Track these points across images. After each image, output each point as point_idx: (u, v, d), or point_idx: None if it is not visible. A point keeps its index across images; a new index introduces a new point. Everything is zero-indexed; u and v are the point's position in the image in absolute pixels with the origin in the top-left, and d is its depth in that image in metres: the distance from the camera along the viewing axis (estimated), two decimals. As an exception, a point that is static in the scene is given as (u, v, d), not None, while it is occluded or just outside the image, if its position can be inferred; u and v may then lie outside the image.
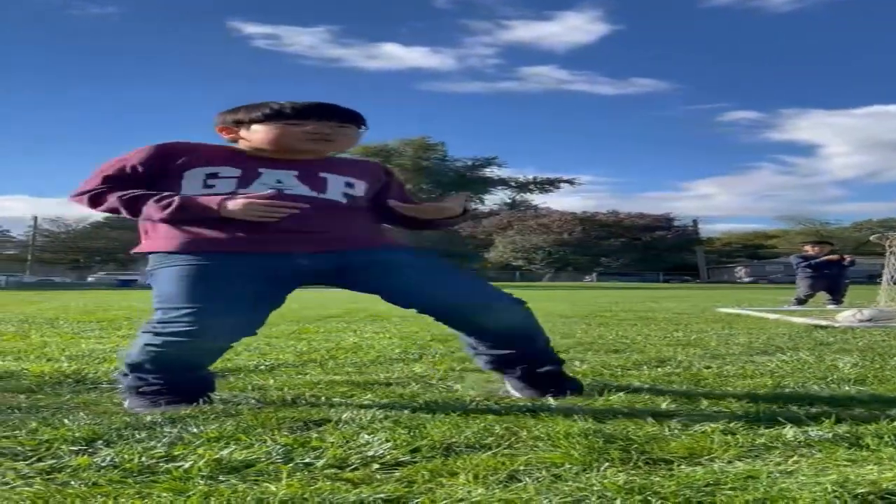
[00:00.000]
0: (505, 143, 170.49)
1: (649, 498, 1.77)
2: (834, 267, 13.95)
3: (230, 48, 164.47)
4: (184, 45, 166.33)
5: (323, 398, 3.16)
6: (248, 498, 1.77)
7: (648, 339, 6.05)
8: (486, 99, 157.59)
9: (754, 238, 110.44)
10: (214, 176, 3.12)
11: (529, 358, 3.29)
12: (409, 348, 5.25)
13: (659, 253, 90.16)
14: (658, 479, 1.93)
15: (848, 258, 14.28)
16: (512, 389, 3.28)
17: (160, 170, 3.15)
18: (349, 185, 3.27)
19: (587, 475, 1.97)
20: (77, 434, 2.40)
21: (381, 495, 1.80)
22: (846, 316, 8.12)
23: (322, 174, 3.23)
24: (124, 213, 3.08)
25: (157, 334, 3.00)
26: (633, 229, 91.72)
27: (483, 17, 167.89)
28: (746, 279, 79.68)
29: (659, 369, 4.11)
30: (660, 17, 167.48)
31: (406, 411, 2.83)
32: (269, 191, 3.07)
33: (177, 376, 3.04)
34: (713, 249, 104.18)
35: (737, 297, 19.81)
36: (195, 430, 2.49)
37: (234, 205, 2.99)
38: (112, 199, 3.09)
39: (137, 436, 2.41)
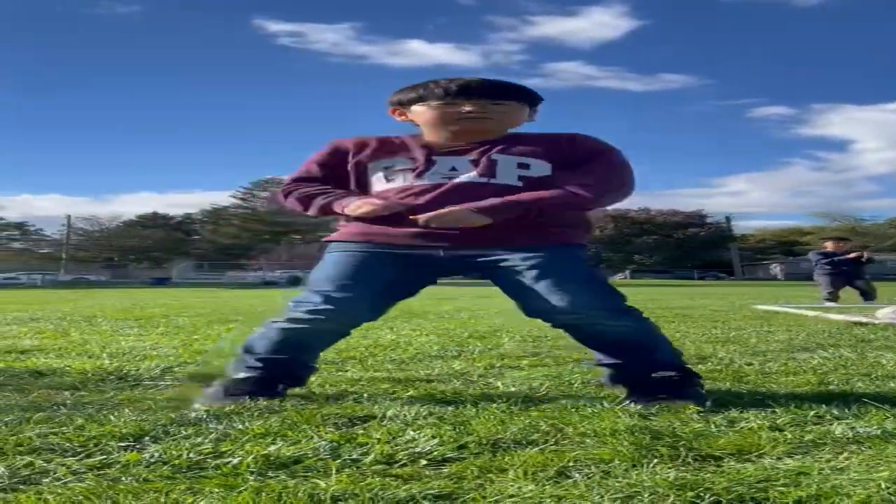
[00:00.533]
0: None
1: (701, 494, 1.76)
2: (852, 264, 13.83)
3: (255, 46, 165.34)
4: (209, 44, 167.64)
5: (365, 395, 3.16)
6: (300, 493, 1.77)
7: (687, 336, 6.02)
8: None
9: (789, 235, 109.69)
10: (390, 168, 3.21)
11: (648, 368, 3.06)
12: (448, 345, 5.25)
13: (692, 250, 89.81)
14: (708, 475, 1.92)
15: (866, 255, 14.16)
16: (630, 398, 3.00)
17: (340, 167, 3.29)
18: (523, 165, 3.16)
19: (637, 471, 1.96)
20: (124, 430, 2.41)
21: (432, 491, 1.80)
22: (886, 313, 8.05)
23: (495, 156, 3.16)
24: (302, 211, 3.28)
25: (284, 314, 3.14)
26: (666, 226, 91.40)
27: (508, 12, 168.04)
28: (782, 276, 79.22)
29: (700, 366, 4.08)
30: (687, 11, 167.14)
31: (450, 408, 2.82)
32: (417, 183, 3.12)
33: (280, 361, 3.11)
34: (747, 246, 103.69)
35: (773, 294, 19.68)
36: (240, 426, 2.50)
37: (351, 209, 3.09)
38: (290, 199, 3.28)
39: (184, 432, 2.42)
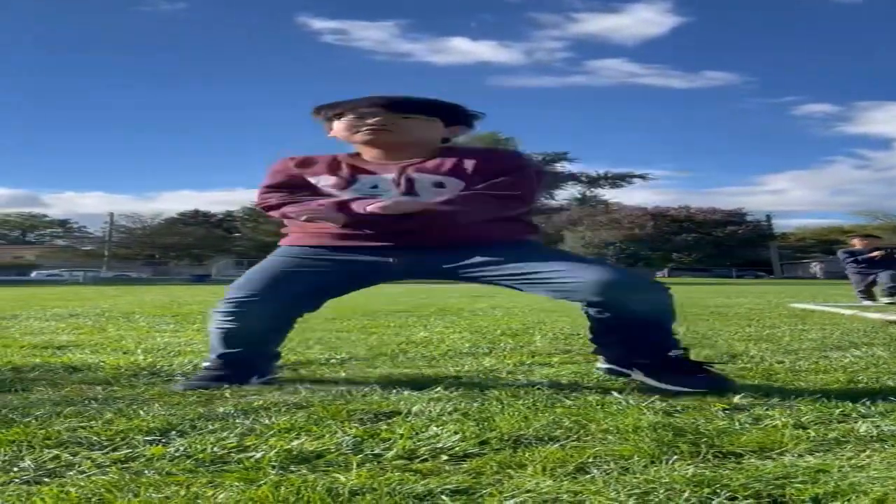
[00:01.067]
0: (576, 138, 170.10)
1: (718, 490, 1.76)
2: (880, 262, 13.67)
3: (298, 44, 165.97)
4: (252, 41, 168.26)
5: (393, 391, 3.17)
6: (318, 487, 1.79)
7: (720, 335, 6.01)
8: (555, 93, 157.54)
9: (829, 233, 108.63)
10: (319, 186, 3.37)
11: (657, 344, 3.28)
12: (479, 343, 5.26)
13: (731, 248, 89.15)
14: (727, 472, 1.92)
15: (880, 253, 13.99)
16: (648, 380, 3.23)
17: (291, 182, 3.43)
18: (438, 184, 3.27)
19: (655, 468, 1.97)
20: (151, 424, 2.44)
21: (450, 486, 1.81)
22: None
23: (413, 174, 3.29)
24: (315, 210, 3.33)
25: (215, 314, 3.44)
26: (705, 224, 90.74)
27: (552, 9, 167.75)
28: (821, 275, 78.61)
29: (730, 364, 4.08)
30: (731, 8, 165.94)
31: (475, 404, 2.84)
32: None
33: (226, 354, 3.38)
34: (787, 245, 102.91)
35: (811, 292, 19.54)
36: (267, 421, 2.53)
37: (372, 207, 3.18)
38: (291, 207, 3.37)
39: (210, 426, 2.44)
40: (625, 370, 3.40)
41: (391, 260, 3.29)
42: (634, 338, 3.27)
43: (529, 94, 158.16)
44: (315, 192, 3.34)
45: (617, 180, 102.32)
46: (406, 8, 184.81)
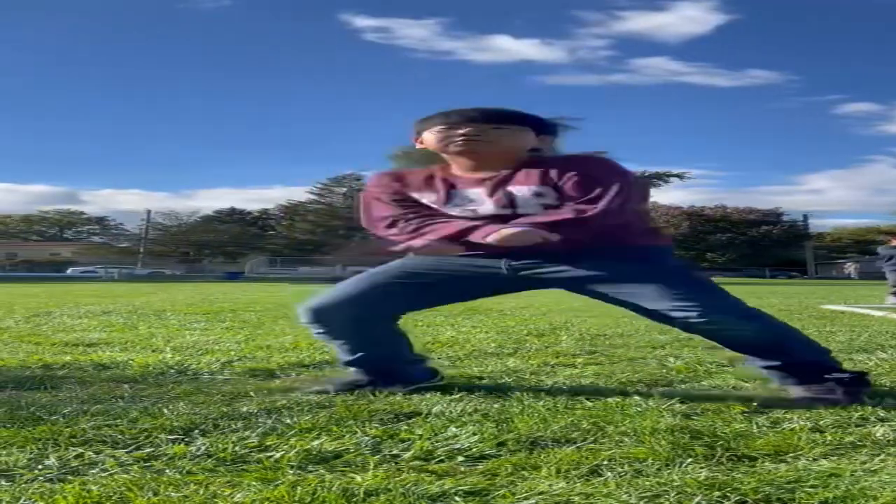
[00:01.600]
0: (615, 137, 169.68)
1: (728, 494, 1.78)
2: None
3: (341, 42, 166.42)
4: (295, 39, 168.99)
5: (416, 391, 3.20)
6: (334, 488, 1.82)
7: (748, 336, 5.98)
8: (596, 91, 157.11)
9: (866, 233, 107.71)
10: (421, 201, 3.38)
11: (798, 366, 3.18)
12: (505, 343, 5.28)
13: (766, 248, 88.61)
14: (739, 475, 1.94)
15: None
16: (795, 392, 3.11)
17: (397, 199, 3.40)
18: (538, 194, 3.24)
19: (668, 470, 1.99)
20: (175, 423, 2.48)
21: (464, 487, 1.84)
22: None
23: (511, 188, 3.27)
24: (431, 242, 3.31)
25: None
26: (741, 224, 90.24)
27: (597, 7, 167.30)
28: (855, 275, 77.99)
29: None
30: (776, 6, 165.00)
31: (496, 405, 2.87)
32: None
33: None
34: (822, 245, 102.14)
35: (843, 293, 19.40)
36: (289, 420, 2.56)
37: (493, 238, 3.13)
38: (418, 239, 3.31)
39: (233, 426, 2.48)
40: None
41: (503, 268, 3.25)
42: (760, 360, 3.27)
43: (570, 92, 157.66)
44: (422, 207, 3.35)
45: (654, 179, 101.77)
46: (450, 6, 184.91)
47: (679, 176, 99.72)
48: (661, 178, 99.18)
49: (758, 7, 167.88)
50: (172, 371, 3.80)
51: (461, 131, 3.29)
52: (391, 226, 3.33)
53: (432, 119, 3.41)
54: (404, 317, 3.46)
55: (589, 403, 2.91)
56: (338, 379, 3.38)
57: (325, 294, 3.37)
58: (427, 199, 3.35)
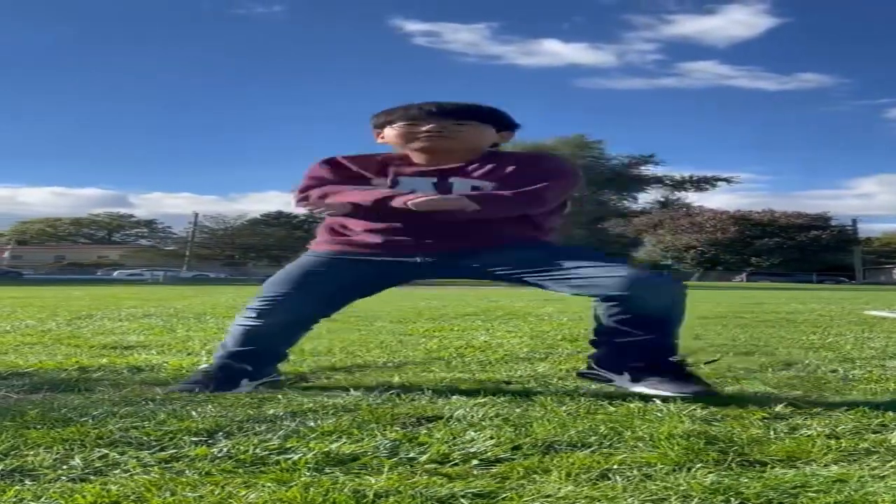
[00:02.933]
0: (663, 141, 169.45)
1: (731, 498, 1.81)
2: None
3: (391, 46, 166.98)
4: (346, 43, 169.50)
5: (442, 396, 3.24)
6: (346, 490, 1.86)
7: (782, 342, 5.98)
8: (645, 95, 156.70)
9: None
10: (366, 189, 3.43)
11: (659, 347, 3.31)
12: (538, 348, 5.30)
13: (814, 253, 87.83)
14: (746, 480, 1.96)
15: None
16: (633, 386, 3.30)
17: (337, 175, 3.51)
18: (476, 188, 3.35)
19: (676, 475, 2.01)
20: (201, 426, 2.53)
21: (473, 490, 1.88)
22: None
23: (452, 179, 3.38)
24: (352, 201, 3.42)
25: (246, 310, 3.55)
26: (789, 229, 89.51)
27: (646, 11, 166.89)
28: (904, 281, 77.17)
29: (783, 372, 4.08)
30: (826, 9, 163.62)
31: (518, 410, 2.90)
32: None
33: (244, 353, 3.46)
34: (871, 250, 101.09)
35: (889, 298, 19.21)
36: (312, 423, 2.61)
37: (412, 202, 3.24)
38: (335, 197, 3.44)
39: (256, 428, 2.53)
40: (607, 375, 3.44)
41: (418, 260, 3.39)
42: (639, 338, 3.27)
43: (619, 96, 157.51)
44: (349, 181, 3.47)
45: (702, 183, 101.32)
46: (499, 10, 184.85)
47: (727, 180, 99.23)
48: (709, 182, 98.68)
49: (808, 10, 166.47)
50: (205, 374, 3.86)
51: (424, 127, 3.39)
52: (304, 198, 3.45)
53: (393, 113, 3.49)
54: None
55: (611, 408, 2.94)
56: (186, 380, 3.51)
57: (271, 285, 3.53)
58: (374, 182, 3.45)
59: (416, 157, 3.49)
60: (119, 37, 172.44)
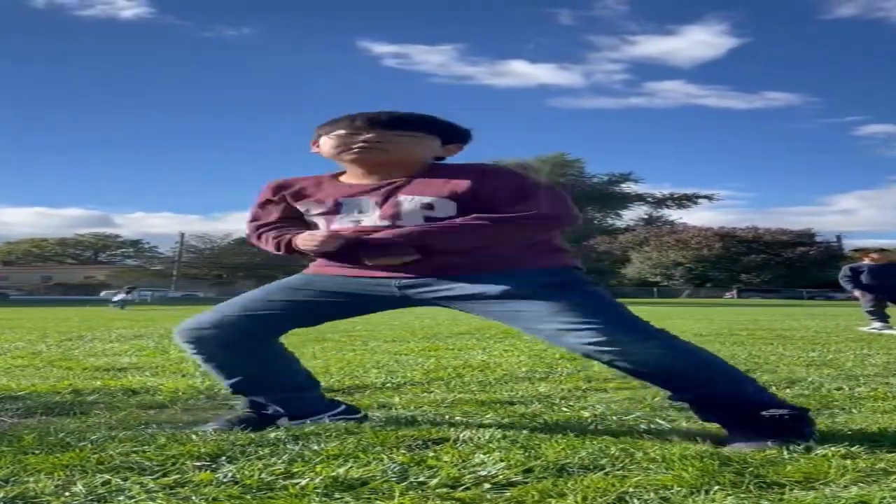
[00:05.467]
0: (639, 159, 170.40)
1: (756, 523, 1.77)
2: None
3: (360, 68, 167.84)
4: (315, 66, 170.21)
5: (446, 417, 3.19)
6: (359, 516, 1.82)
7: (782, 359, 5.95)
8: (615, 114, 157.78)
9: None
10: (308, 213, 3.18)
11: (718, 401, 2.82)
12: (537, 367, 5.25)
13: (801, 269, 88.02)
14: (766, 503, 1.92)
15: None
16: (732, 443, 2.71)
17: (279, 205, 3.26)
18: (428, 206, 3.01)
19: (695, 498, 1.97)
20: (203, 450, 2.48)
21: (489, 515, 1.83)
22: None
23: (401, 196, 3.04)
24: (275, 251, 3.23)
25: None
26: (774, 245, 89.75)
27: (608, 32, 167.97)
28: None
29: (788, 390, 4.05)
30: (786, 29, 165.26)
31: (525, 431, 2.84)
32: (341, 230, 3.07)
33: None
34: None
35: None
36: (316, 447, 2.56)
37: (297, 242, 3.10)
38: (265, 241, 3.27)
39: (260, 452, 2.48)
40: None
41: (395, 288, 3.03)
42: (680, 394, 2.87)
43: (590, 115, 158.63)
44: (303, 223, 3.22)
45: (683, 200, 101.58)
46: (465, 32, 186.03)
47: (708, 197, 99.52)
48: (690, 199, 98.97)
49: (768, 30, 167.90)
50: (202, 396, 3.81)
51: (361, 137, 3.09)
52: (259, 236, 3.26)
53: (336, 123, 3.18)
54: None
55: (619, 429, 2.89)
56: (225, 416, 3.15)
57: (203, 314, 3.15)
58: (314, 210, 3.15)
59: (352, 172, 3.21)
60: (100, 57, 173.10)
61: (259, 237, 3.25)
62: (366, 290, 3.05)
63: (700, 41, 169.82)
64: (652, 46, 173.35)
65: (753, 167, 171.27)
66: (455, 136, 3.25)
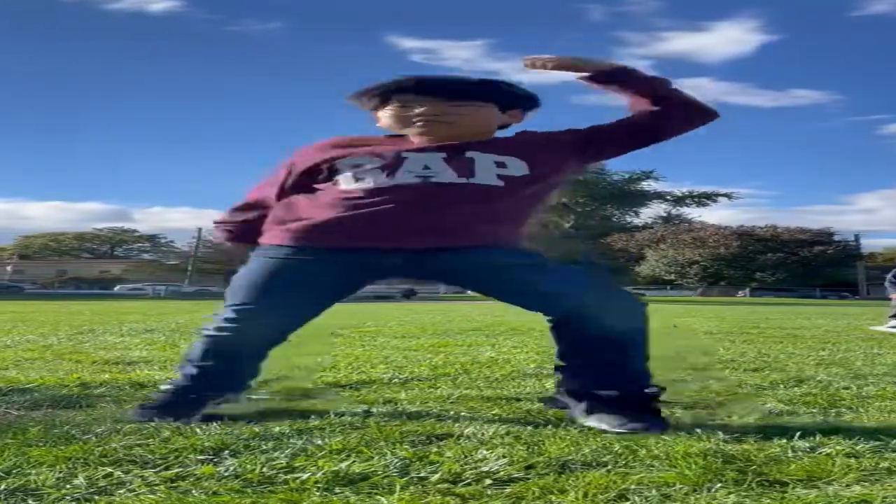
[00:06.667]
0: (661, 156, 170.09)
1: (755, 520, 1.76)
2: None
3: (387, 62, 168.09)
4: (342, 60, 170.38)
5: (451, 413, 3.19)
6: (358, 510, 1.82)
7: (791, 358, 5.92)
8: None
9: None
10: (360, 167, 2.99)
11: (621, 377, 2.94)
12: (545, 364, 5.23)
13: (818, 268, 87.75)
14: (768, 501, 1.92)
15: None
16: (587, 418, 2.88)
17: (315, 166, 3.09)
18: (500, 164, 2.95)
19: (696, 496, 1.96)
20: (206, 443, 2.48)
21: (488, 511, 1.83)
22: None
23: (470, 153, 2.95)
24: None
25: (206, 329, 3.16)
26: (792, 244, 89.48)
27: (638, 28, 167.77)
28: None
29: (796, 389, 4.03)
30: (818, 26, 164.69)
31: (529, 427, 2.84)
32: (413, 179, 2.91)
33: (208, 371, 3.09)
34: (875, 265, 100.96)
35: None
36: (320, 441, 2.55)
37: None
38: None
39: (263, 446, 2.48)
40: (565, 401, 3.08)
41: (398, 260, 2.96)
42: (598, 361, 2.95)
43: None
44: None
45: (703, 199, 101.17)
46: (494, 27, 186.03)
47: (727, 195, 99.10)
48: (709, 197, 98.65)
49: (800, 27, 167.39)
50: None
51: (419, 111, 2.98)
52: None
53: (377, 90, 3.07)
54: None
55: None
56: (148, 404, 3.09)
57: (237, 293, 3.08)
58: (369, 164, 2.96)
59: (418, 140, 3.07)
60: (118, 50, 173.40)
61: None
62: (372, 266, 3.03)
63: (731, 38, 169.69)
64: (682, 43, 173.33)
65: (775, 166, 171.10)
66: (514, 100, 3.15)
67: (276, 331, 3.11)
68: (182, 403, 2.98)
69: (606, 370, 2.93)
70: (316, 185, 3.08)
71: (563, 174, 3.17)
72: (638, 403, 2.88)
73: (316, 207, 3.00)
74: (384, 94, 3.08)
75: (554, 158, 3.08)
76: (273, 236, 3.07)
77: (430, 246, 2.90)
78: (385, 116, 3.09)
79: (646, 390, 2.95)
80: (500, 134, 3.12)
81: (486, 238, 2.93)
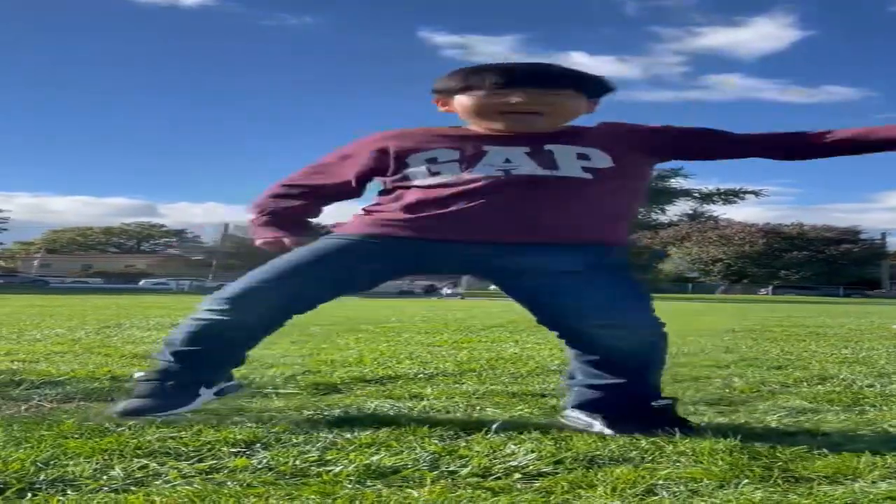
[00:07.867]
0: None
1: (782, 516, 1.78)
2: None
3: (419, 58, 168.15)
4: (374, 55, 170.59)
5: (477, 408, 3.22)
6: (391, 503, 1.84)
7: (815, 356, 5.92)
8: (671, 108, 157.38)
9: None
10: (434, 161, 2.84)
11: (633, 392, 2.83)
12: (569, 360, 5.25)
13: (843, 266, 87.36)
14: (795, 497, 1.93)
15: None
16: (604, 427, 2.72)
17: (377, 159, 2.94)
18: (583, 156, 2.80)
19: (724, 491, 1.98)
20: (238, 436, 2.51)
21: (518, 504, 1.86)
22: None
23: (550, 146, 2.80)
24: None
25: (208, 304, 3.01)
26: (818, 242, 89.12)
27: (674, 23, 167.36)
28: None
29: (819, 387, 4.04)
30: (854, 22, 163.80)
31: (556, 423, 2.87)
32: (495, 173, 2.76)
33: (194, 353, 2.97)
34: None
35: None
36: (350, 435, 2.58)
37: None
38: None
39: (294, 440, 2.51)
40: (583, 418, 2.86)
41: (467, 248, 2.81)
42: (610, 382, 2.87)
43: (645, 108, 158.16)
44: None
45: (730, 196, 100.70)
46: (526, 22, 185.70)
47: (755, 193, 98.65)
48: (737, 195, 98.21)
49: (834, 23, 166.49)
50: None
51: (513, 99, 2.78)
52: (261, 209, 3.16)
53: (466, 77, 2.90)
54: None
55: (648, 422, 2.90)
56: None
57: (241, 281, 2.96)
58: (445, 156, 2.81)
59: (492, 130, 2.88)
60: (150, 48, 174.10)
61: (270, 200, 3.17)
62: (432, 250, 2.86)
63: (766, 33, 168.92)
64: (716, 38, 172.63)
65: (803, 163, 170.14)
66: (598, 90, 3.02)
67: (278, 311, 2.95)
68: (172, 393, 2.88)
69: (617, 389, 2.84)
70: (385, 178, 2.96)
71: (648, 169, 3.07)
72: (650, 419, 2.75)
73: (394, 201, 2.88)
74: (465, 78, 2.91)
75: (636, 152, 2.94)
76: (352, 226, 2.97)
77: (522, 240, 2.77)
78: (466, 101, 2.89)
79: (653, 403, 2.84)
80: (578, 123, 2.97)
81: (572, 233, 2.80)
